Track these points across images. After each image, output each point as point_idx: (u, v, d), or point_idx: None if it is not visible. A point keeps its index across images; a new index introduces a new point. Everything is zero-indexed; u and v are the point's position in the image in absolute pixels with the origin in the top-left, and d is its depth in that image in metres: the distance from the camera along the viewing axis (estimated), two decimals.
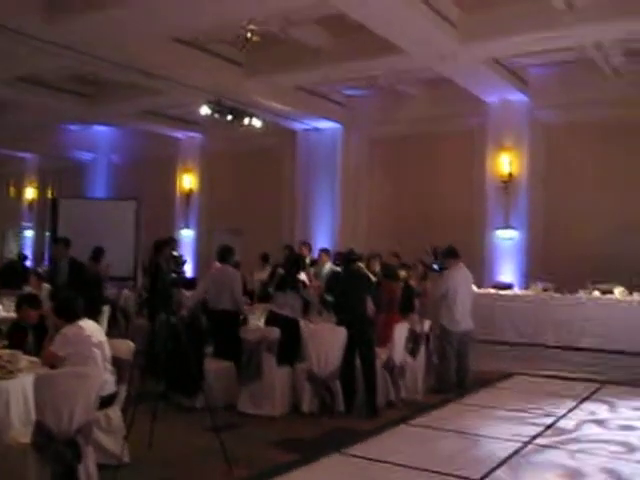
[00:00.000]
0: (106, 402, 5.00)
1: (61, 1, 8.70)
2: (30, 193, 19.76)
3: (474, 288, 9.62)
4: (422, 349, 8.38)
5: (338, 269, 10.53)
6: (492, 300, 10.78)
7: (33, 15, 8.71)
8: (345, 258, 7.89)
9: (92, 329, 5.23)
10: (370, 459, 5.74)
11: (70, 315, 5.18)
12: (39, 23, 8.77)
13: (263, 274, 11.06)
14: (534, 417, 7.24)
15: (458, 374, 8.58)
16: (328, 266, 10.61)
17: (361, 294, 7.40)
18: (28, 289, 9.26)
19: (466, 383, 8.60)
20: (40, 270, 10.45)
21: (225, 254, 8.18)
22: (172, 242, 10.41)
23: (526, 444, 6.18)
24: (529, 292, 10.76)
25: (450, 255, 8.77)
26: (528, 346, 10.24)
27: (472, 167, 13.04)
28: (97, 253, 10.59)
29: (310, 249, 11.31)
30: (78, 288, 9.13)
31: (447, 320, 8.59)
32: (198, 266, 16.14)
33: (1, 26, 8.78)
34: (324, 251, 10.97)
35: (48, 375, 4.56)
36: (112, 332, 9.52)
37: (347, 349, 7.14)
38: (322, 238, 14.10)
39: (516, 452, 5.93)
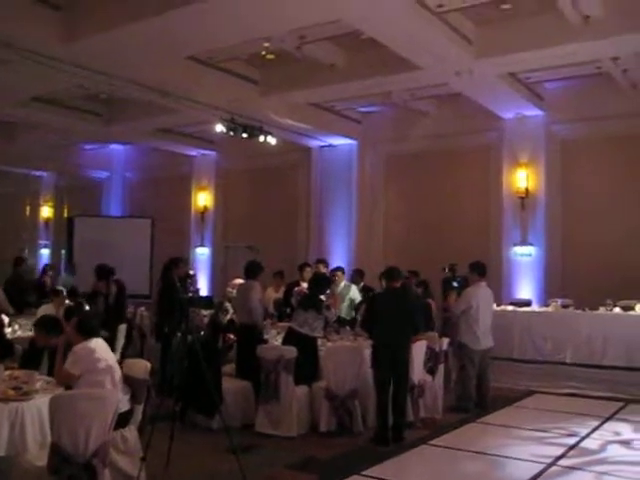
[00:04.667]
0: (121, 421, 4.91)
1: (77, 21, 8.71)
2: (46, 212, 19.82)
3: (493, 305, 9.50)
4: (441, 367, 8.27)
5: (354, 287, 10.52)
6: (510, 317, 10.60)
7: (49, 35, 8.72)
8: (387, 276, 7.33)
9: (102, 349, 5.16)
10: None
11: (87, 332, 5.11)
12: (55, 43, 8.77)
13: (277, 293, 11.07)
14: (557, 437, 7.12)
15: (478, 392, 8.46)
16: (343, 284, 10.53)
17: (406, 317, 7.04)
18: (45, 307, 9.14)
19: (486, 402, 8.48)
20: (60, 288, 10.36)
21: (247, 269, 8.40)
22: (183, 261, 10.33)
23: (550, 465, 6.06)
24: (549, 309, 10.59)
25: (477, 270, 8.65)
26: (548, 364, 10.05)
27: (488, 183, 12.91)
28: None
29: (327, 266, 11.22)
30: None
31: (468, 338, 8.48)
32: (213, 284, 16.10)
33: (18, 48, 8.81)
34: (339, 269, 10.87)
35: (64, 396, 4.50)
36: (128, 351, 9.49)
37: (381, 369, 6.93)
38: (338, 255, 13.99)
39: (539, 474, 5.81)
